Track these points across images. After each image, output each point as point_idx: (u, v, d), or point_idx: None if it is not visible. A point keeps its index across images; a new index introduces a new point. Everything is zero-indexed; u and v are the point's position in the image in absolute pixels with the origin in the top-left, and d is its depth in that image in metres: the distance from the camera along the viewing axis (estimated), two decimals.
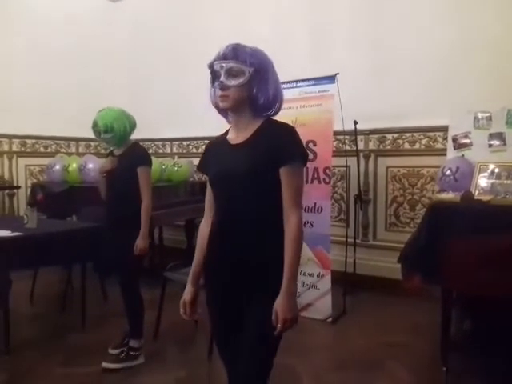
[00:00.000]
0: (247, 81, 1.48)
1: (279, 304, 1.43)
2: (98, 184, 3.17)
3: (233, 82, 1.48)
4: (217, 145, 1.64)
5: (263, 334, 1.46)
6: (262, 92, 1.50)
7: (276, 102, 1.56)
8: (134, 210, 2.85)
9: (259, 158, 1.47)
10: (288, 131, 1.51)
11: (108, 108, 2.97)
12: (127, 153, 2.95)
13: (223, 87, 1.48)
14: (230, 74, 1.48)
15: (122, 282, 2.94)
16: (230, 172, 1.51)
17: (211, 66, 1.52)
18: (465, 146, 3.28)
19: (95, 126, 2.90)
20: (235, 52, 1.48)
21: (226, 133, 1.64)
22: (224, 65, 1.48)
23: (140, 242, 2.84)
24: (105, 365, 2.81)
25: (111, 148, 3.11)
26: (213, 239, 1.60)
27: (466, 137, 3.28)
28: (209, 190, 1.65)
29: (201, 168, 1.69)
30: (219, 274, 1.57)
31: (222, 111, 1.60)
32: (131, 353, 2.88)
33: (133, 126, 2.99)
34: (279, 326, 1.42)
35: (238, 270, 1.51)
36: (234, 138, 1.58)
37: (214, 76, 1.52)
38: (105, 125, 2.85)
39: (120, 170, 2.90)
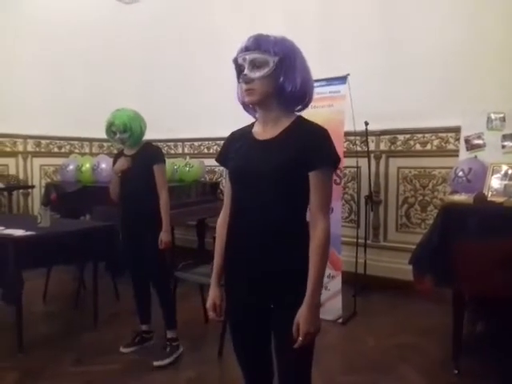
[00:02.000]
0: (272, 71, 1.39)
1: (301, 316, 1.37)
2: (109, 184, 3.20)
3: (257, 74, 1.39)
4: (240, 137, 1.54)
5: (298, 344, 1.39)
6: (288, 80, 1.40)
7: (305, 92, 1.45)
8: (150, 209, 2.90)
9: (288, 158, 1.38)
10: (321, 133, 1.42)
11: (122, 108, 3.00)
12: (140, 152, 2.98)
13: (247, 80, 1.40)
14: (254, 65, 1.39)
15: (153, 280, 3.01)
16: (253, 169, 1.42)
17: (235, 61, 1.45)
18: (478, 146, 3.24)
19: (111, 125, 2.92)
20: (257, 42, 1.40)
21: (252, 126, 1.55)
22: (247, 57, 1.40)
23: (164, 236, 2.89)
24: (156, 363, 2.84)
25: (121, 149, 3.13)
26: (230, 242, 1.52)
27: (478, 138, 3.24)
28: (228, 186, 1.56)
29: (220, 159, 1.59)
30: (239, 278, 1.51)
31: (249, 108, 1.53)
32: (173, 343, 2.95)
33: (145, 126, 3.03)
34: (300, 339, 1.36)
35: (258, 276, 1.45)
36: (260, 132, 1.49)
37: (239, 71, 1.44)
38: (123, 124, 2.88)
39: (135, 170, 2.92)
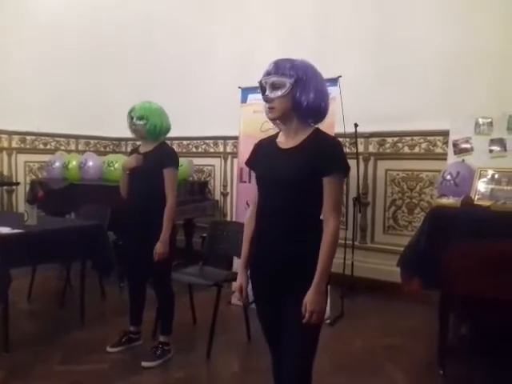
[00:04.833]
0: (289, 91, 1.63)
1: (309, 297, 1.60)
2: (96, 182, 3.17)
3: (276, 94, 1.64)
4: (267, 145, 1.80)
5: (303, 324, 1.60)
6: (304, 97, 1.63)
7: (318, 105, 1.67)
8: (155, 212, 2.78)
9: (306, 165, 1.62)
10: (335, 144, 1.68)
11: (150, 101, 2.98)
12: (154, 152, 2.88)
13: (268, 100, 1.67)
14: (274, 87, 1.65)
15: (154, 285, 2.95)
16: (276, 174, 1.67)
17: (260, 83, 1.70)
18: (465, 151, 3.30)
19: (132, 110, 2.90)
20: (276, 67, 1.65)
21: (277, 135, 1.79)
22: (268, 80, 1.66)
23: (159, 246, 2.75)
24: (145, 364, 2.80)
25: (137, 144, 3.08)
26: (256, 233, 1.77)
27: (466, 142, 3.29)
28: (255, 187, 1.81)
29: (249, 163, 1.85)
30: (261, 272, 1.76)
31: (274, 122, 1.76)
32: (165, 348, 2.91)
33: (167, 127, 2.95)
34: (307, 315, 1.59)
35: (278, 269, 1.68)
36: (283, 142, 1.73)
37: (263, 91, 1.69)
38: (140, 113, 2.84)
39: (145, 169, 2.83)
